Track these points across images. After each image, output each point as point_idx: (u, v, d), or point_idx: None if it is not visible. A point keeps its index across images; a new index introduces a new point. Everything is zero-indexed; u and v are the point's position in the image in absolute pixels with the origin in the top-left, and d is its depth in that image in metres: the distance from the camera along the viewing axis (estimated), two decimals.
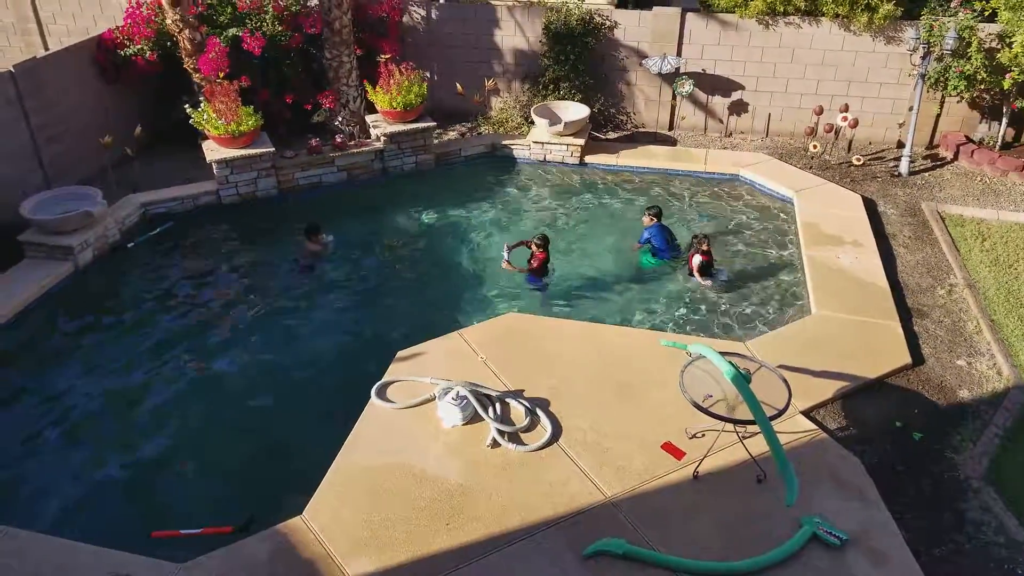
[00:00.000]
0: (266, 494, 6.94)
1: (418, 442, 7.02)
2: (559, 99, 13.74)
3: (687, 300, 9.55)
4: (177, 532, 6.58)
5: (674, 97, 13.80)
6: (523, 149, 13.22)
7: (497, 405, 7.31)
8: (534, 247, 9.77)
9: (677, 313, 9.33)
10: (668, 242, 10.23)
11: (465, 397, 7.19)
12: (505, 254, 9.71)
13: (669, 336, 8.34)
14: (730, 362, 6.52)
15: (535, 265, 9.76)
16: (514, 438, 7.05)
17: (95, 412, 7.99)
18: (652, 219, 10.22)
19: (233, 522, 6.60)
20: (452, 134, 14.31)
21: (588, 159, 12.97)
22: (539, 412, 7.26)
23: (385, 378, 7.68)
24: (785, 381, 6.69)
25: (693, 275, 9.74)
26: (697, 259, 9.70)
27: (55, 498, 7.06)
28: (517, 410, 7.31)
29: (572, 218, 11.51)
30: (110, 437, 7.72)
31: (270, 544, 6.16)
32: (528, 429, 7.13)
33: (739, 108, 13.79)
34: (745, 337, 8.67)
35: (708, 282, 9.68)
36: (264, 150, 11.64)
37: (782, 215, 11.42)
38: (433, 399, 7.39)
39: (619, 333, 8.43)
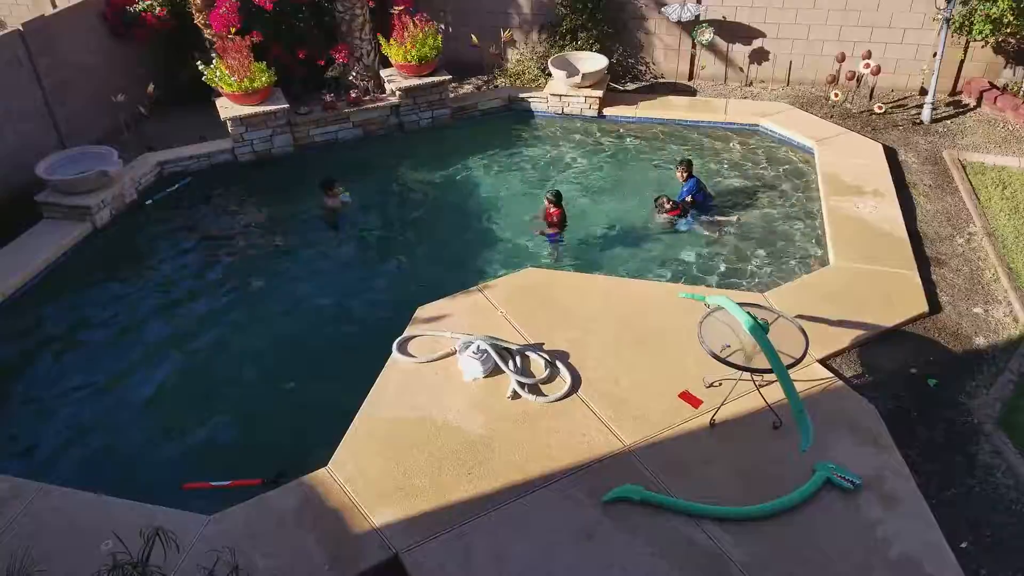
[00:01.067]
0: (294, 446, 7.20)
1: (439, 395, 7.23)
2: (577, 50, 13.70)
3: (705, 253, 9.65)
4: (208, 483, 6.85)
5: (694, 46, 13.74)
6: (540, 102, 13.22)
7: (517, 358, 7.51)
8: (546, 203, 9.92)
9: (696, 266, 9.43)
10: (707, 195, 10.37)
11: (486, 351, 7.39)
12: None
13: (687, 288, 8.49)
14: (748, 312, 6.66)
15: (552, 220, 9.90)
16: (534, 390, 7.26)
17: (121, 365, 8.29)
18: (685, 172, 10.32)
19: (263, 474, 6.88)
20: (468, 87, 14.28)
21: (607, 111, 12.96)
22: (559, 364, 7.45)
23: (406, 333, 7.89)
24: (802, 330, 6.83)
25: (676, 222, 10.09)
26: (668, 216, 10.07)
27: (81, 448, 7.36)
28: (537, 362, 7.51)
29: (591, 172, 11.57)
30: (136, 386, 8.00)
31: (297, 496, 6.41)
32: (548, 381, 7.32)
33: (760, 56, 13.71)
34: (763, 288, 8.78)
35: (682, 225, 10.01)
36: (278, 107, 11.76)
37: (803, 165, 11.46)
38: (454, 353, 7.59)
39: (638, 286, 8.55)
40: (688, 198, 10.27)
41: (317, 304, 9.12)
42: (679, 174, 10.41)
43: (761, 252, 9.64)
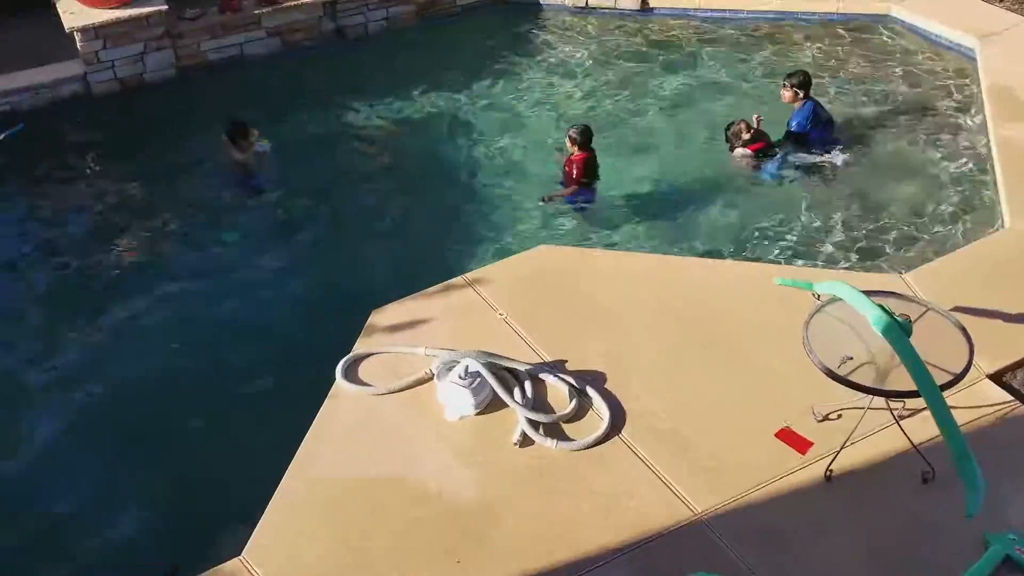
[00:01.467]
0: (196, 524, 7.21)
1: (409, 442, 7.19)
2: None
3: (809, 212, 9.60)
4: None
5: None
6: None
7: (526, 384, 7.47)
8: (568, 144, 9.89)
9: (795, 233, 9.38)
10: (826, 127, 10.47)
11: (477, 374, 7.34)
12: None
13: (786, 270, 8.43)
14: (880, 305, 6.55)
15: (574, 172, 9.87)
16: (553, 430, 7.22)
17: None
18: (797, 93, 10.37)
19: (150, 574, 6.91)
20: None
21: (654, 2, 12.89)
22: (590, 391, 7.41)
23: (356, 350, 7.86)
24: (964, 331, 6.77)
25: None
26: (745, 152, 10.19)
27: None
28: (557, 389, 7.46)
29: (631, 102, 11.52)
30: None
31: None
32: (574, 417, 7.29)
33: None
34: (901, 265, 8.71)
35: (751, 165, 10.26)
36: (152, 9, 11.76)
37: (958, 76, 11.43)
38: (430, 379, 7.54)
39: (705, 268, 8.51)
40: (796, 131, 10.32)
41: (222, 311, 9.14)
42: (787, 93, 10.42)
43: (896, 210, 9.59)
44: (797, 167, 10.22)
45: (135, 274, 9.69)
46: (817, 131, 10.36)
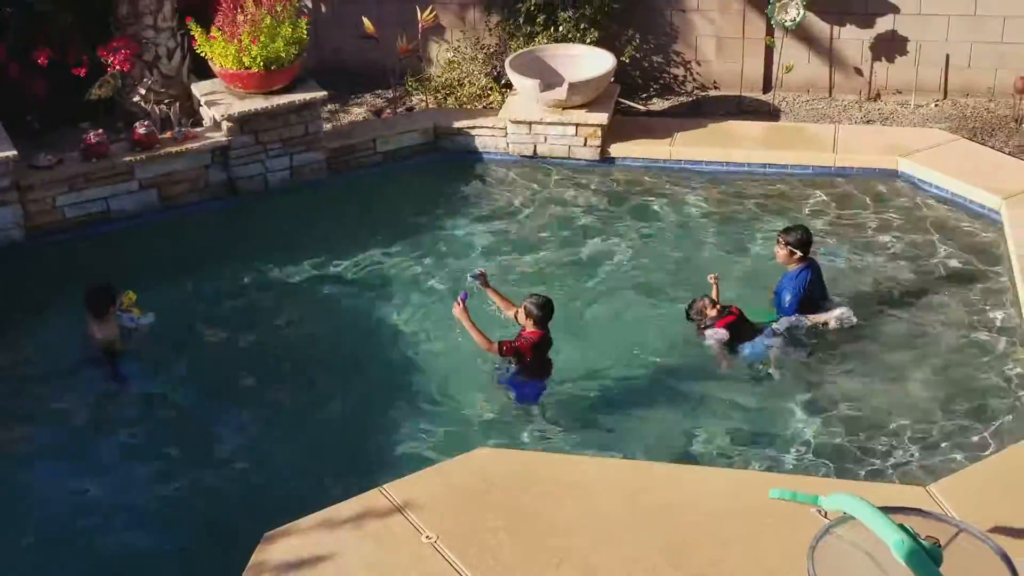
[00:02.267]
0: None
1: None
2: (556, 40, 13.94)
3: (805, 403, 9.64)
4: None
5: (770, 31, 14.04)
6: (493, 136, 13.42)
7: None
8: (523, 315, 9.74)
9: (786, 431, 9.40)
10: (819, 291, 10.53)
11: None
12: (467, 286, 10.00)
13: (783, 480, 8.30)
14: (902, 526, 6.50)
15: (525, 352, 9.72)
16: None
17: None
18: (795, 254, 10.35)
19: None
20: (358, 112, 14.35)
21: (615, 150, 13.13)
22: None
23: None
24: (1007, 559, 6.65)
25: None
26: (718, 332, 10.21)
27: None
28: None
29: (585, 269, 11.62)
30: None
31: None
32: None
33: (890, 48, 14.04)
34: (927, 476, 8.67)
35: (725, 364, 10.27)
36: None
37: (980, 241, 11.58)
38: None
39: (684, 476, 8.43)
40: (787, 311, 10.33)
41: (68, 532, 8.88)
42: (781, 251, 10.42)
43: (914, 402, 9.63)
44: (786, 342, 10.22)
45: None
46: (817, 293, 10.41)
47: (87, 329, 10.47)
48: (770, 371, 10.11)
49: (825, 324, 10.28)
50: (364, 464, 9.26)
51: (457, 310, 9.70)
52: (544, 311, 9.68)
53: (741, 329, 10.23)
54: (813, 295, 10.38)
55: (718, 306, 10.24)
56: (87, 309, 10.39)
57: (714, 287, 10.40)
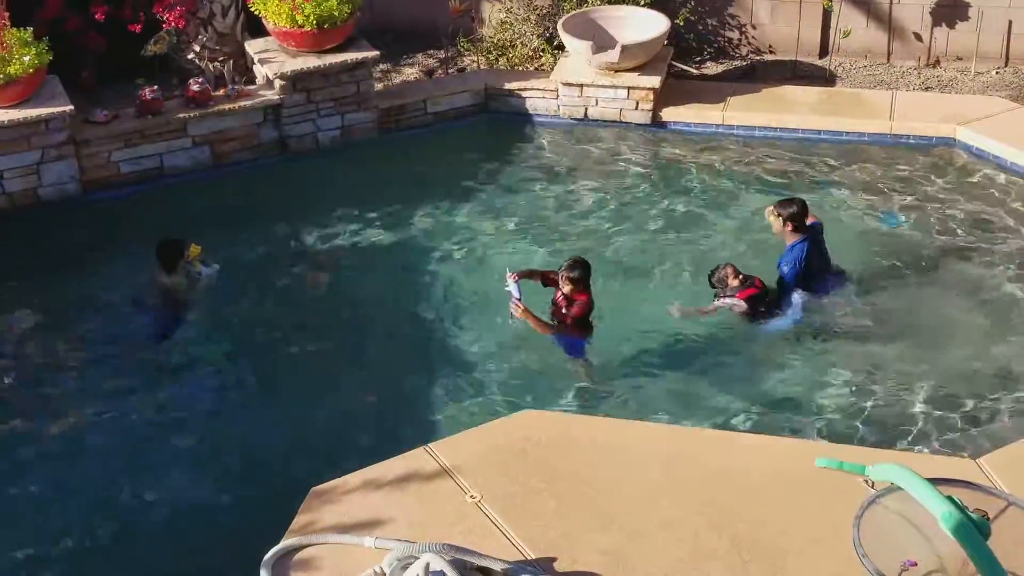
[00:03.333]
0: None
1: None
2: (610, 2, 13.90)
3: (855, 373, 9.61)
4: None
5: None
6: (544, 98, 13.40)
7: None
8: (563, 280, 9.76)
9: (834, 399, 9.38)
10: (820, 260, 10.41)
11: (441, 574, 7.13)
12: (513, 290, 9.76)
13: (830, 449, 8.28)
14: (950, 497, 6.51)
15: (570, 314, 9.75)
16: None
17: None
18: (790, 223, 10.25)
19: None
20: (410, 73, 14.35)
21: (667, 114, 13.07)
22: None
23: (287, 540, 7.63)
24: None
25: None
26: (736, 302, 10.16)
27: None
28: None
29: (635, 233, 11.62)
30: None
31: None
32: None
33: (951, 14, 13.89)
34: (973, 446, 8.63)
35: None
36: (54, 109, 11.76)
37: None
38: None
39: (729, 443, 8.40)
40: (787, 280, 10.27)
41: (115, 485, 9.00)
42: (775, 223, 10.33)
43: (963, 373, 9.61)
44: (805, 313, 10.21)
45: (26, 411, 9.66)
46: (794, 273, 10.27)
47: (155, 280, 10.63)
48: (813, 339, 10.08)
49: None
50: (410, 422, 9.35)
51: (519, 311, 9.68)
52: (583, 271, 9.67)
53: (761, 303, 10.18)
54: (811, 267, 10.25)
55: (741, 275, 10.17)
56: (157, 261, 10.53)
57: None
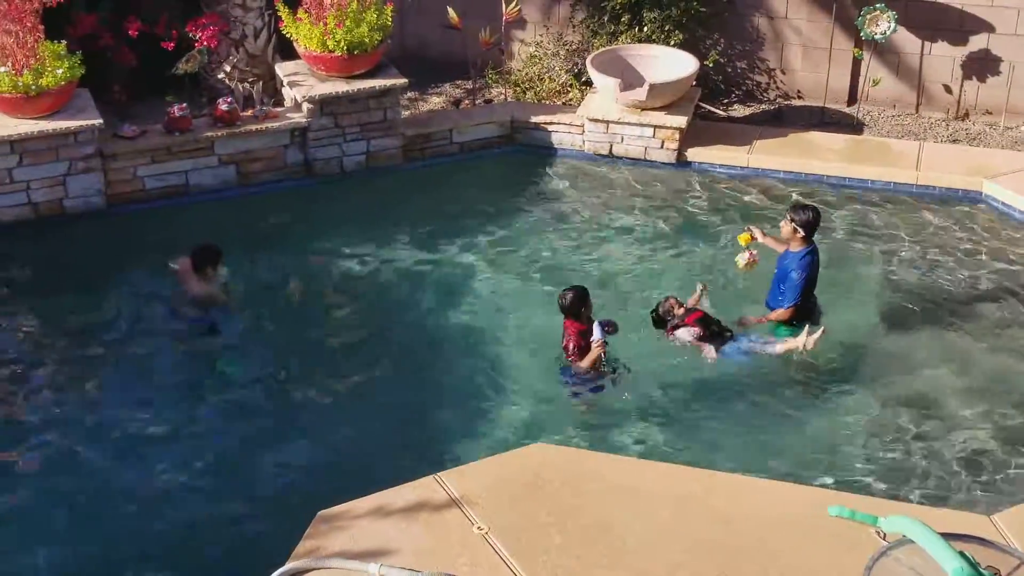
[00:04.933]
0: None
1: None
2: (639, 40, 13.91)
3: (868, 418, 9.61)
4: None
5: (859, 44, 13.91)
6: (570, 133, 13.41)
7: None
8: (578, 308, 9.79)
9: (848, 446, 9.35)
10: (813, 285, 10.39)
11: None
12: (597, 334, 9.77)
13: (843, 498, 8.19)
14: (961, 553, 6.45)
15: (572, 345, 9.77)
16: None
17: None
18: (799, 232, 10.21)
19: None
20: (437, 101, 14.38)
21: (692, 154, 13.07)
22: None
23: (292, 562, 7.59)
24: None
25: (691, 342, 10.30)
26: (691, 329, 10.23)
27: None
28: None
29: (652, 272, 11.62)
30: None
31: None
32: None
33: (982, 67, 13.87)
34: (989, 505, 8.59)
35: (711, 351, 10.19)
36: (83, 122, 11.82)
37: None
38: None
39: (741, 488, 8.34)
40: (797, 284, 10.17)
41: (120, 496, 9.01)
42: (786, 227, 10.28)
43: (977, 424, 9.57)
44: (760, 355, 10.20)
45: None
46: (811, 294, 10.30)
47: (187, 285, 10.68)
48: (829, 381, 10.07)
49: (790, 351, 10.16)
50: (420, 450, 9.34)
51: (600, 349, 9.74)
52: (575, 300, 9.71)
53: (709, 325, 10.19)
54: (814, 279, 10.26)
55: (683, 306, 10.24)
56: (194, 263, 10.59)
57: (697, 294, 10.42)
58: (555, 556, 7.64)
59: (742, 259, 10.43)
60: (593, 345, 9.69)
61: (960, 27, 13.70)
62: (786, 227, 10.27)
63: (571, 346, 9.78)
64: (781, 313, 10.24)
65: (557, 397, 9.92)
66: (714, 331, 10.20)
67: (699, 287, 10.48)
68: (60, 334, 10.74)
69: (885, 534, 7.00)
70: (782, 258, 10.34)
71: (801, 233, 10.15)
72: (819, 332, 9.99)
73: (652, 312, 10.40)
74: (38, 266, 11.53)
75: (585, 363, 9.74)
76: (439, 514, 7.95)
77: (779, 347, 10.17)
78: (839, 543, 7.58)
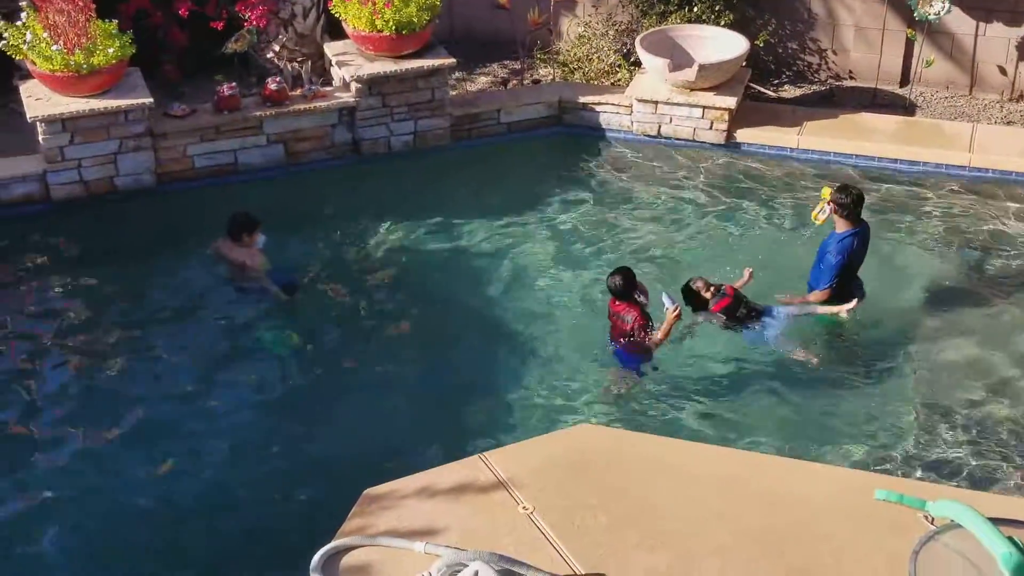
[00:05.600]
0: None
1: None
2: (689, 21, 13.86)
3: (919, 402, 9.58)
4: None
5: (912, 25, 13.81)
6: (618, 113, 13.38)
7: None
8: (631, 289, 9.75)
9: (897, 430, 9.33)
10: (857, 267, 10.35)
11: None
12: (668, 303, 9.77)
13: (890, 482, 8.15)
14: (1011, 539, 6.42)
15: (637, 325, 9.73)
16: None
17: None
18: (842, 211, 10.14)
19: None
20: (484, 82, 14.36)
21: (742, 135, 13.03)
22: None
23: (339, 539, 7.62)
24: None
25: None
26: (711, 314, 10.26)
27: None
28: None
29: (701, 254, 11.62)
30: None
31: None
32: None
33: None
34: None
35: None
36: (135, 101, 11.90)
37: None
38: None
39: (787, 470, 8.27)
40: (834, 268, 10.12)
41: (166, 479, 9.09)
42: (823, 212, 10.24)
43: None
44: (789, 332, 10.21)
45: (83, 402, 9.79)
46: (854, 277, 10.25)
47: (235, 260, 10.83)
48: (874, 364, 10.07)
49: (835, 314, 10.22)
50: (467, 430, 9.37)
51: (676, 316, 9.73)
52: (622, 282, 9.67)
53: (736, 311, 10.16)
54: (854, 262, 10.21)
55: (712, 287, 10.16)
56: (230, 233, 10.74)
57: (744, 279, 10.38)
58: (600, 536, 7.64)
59: (822, 214, 10.33)
60: (668, 314, 9.67)
61: (1015, 8, 13.56)
62: (825, 211, 10.24)
63: (636, 326, 9.72)
64: (816, 295, 10.22)
65: (601, 380, 9.94)
66: (741, 315, 10.17)
67: (746, 272, 10.42)
68: (110, 310, 10.85)
69: (933, 518, 6.94)
70: (829, 236, 10.29)
71: (844, 213, 10.11)
72: (852, 303, 10.07)
73: (683, 292, 10.32)
74: (89, 243, 11.65)
75: (660, 334, 9.69)
76: (485, 494, 7.96)
77: (818, 309, 10.23)
78: (886, 527, 7.54)
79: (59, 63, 11.64)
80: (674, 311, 9.65)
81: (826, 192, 10.36)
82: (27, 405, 9.83)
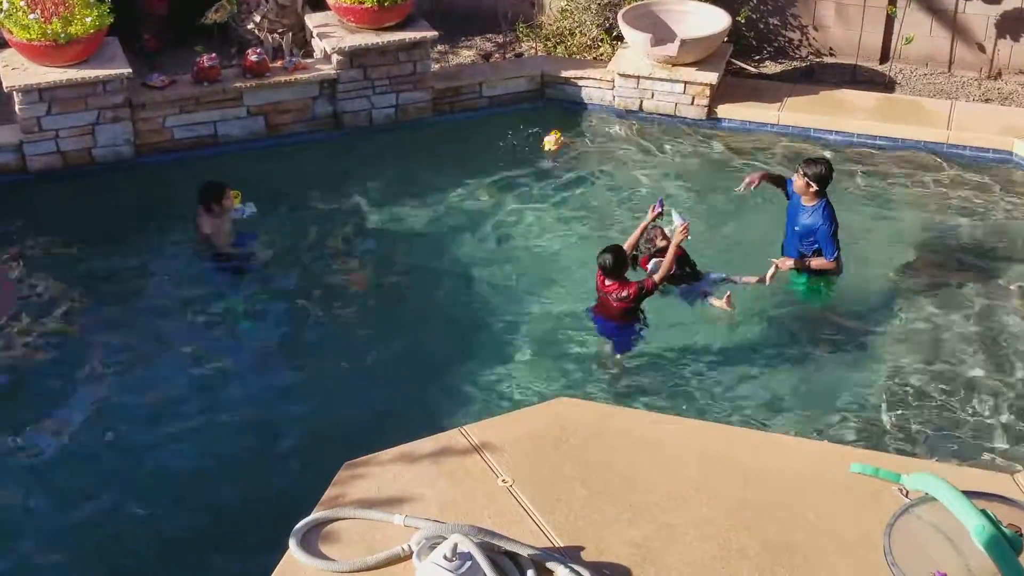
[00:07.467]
0: None
1: None
2: None
3: (893, 376, 9.60)
4: None
5: (893, 1, 13.83)
6: (600, 88, 13.40)
7: (529, 573, 7.23)
8: (623, 267, 9.77)
9: (872, 404, 9.34)
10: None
11: (468, 555, 7.08)
12: (678, 220, 9.83)
13: (866, 455, 8.22)
14: (984, 511, 6.45)
15: (631, 291, 9.69)
16: None
17: None
18: (812, 186, 10.17)
19: None
20: (467, 55, 14.33)
21: (723, 111, 13.05)
22: None
23: (318, 512, 7.65)
24: None
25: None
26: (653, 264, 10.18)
27: None
28: None
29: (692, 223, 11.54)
30: None
31: None
32: None
33: (1016, 26, 13.75)
34: (1013, 464, 8.57)
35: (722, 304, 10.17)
36: (112, 71, 11.88)
37: None
38: (408, 557, 7.29)
39: (764, 444, 8.31)
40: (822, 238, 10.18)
41: (144, 447, 9.10)
42: (799, 182, 10.22)
43: (1003, 385, 9.55)
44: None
45: (50, 386, 9.68)
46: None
47: (201, 230, 10.81)
48: (850, 339, 10.12)
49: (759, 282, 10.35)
50: (446, 403, 9.38)
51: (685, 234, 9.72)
52: (614, 258, 9.65)
53: (683, 265, 10.24)
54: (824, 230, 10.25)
55: (663, 234, 10.20)
56: (201, 204, 10.72)
57: (771, 271, 10.31)
58: (579, 509, 7.68)
59: (551, 140, 11.35)
60: (678, 231, 9.68)
61: None
62: (799, 181, 10.22)
63: (631, 290, 9.64)
64: (826, 263, 10.23)
65: (582, 354, 9.96)
66: (685, 272, 10.23)
67: (773, 265, 10.31)
68: (87, 282, 10.79)
69: (907, 491, 6.99)
70: (797, 211, 10.30)
71: (814, 187, 10.13)
72: (772, 269, 10.18)
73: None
74: (66, 214, 11.60)
75: (667, 260, 9.65)
76: (464, 466, 7.98)
77: (748, 279, 10.33)
78: (861, 500, 7.58)
79: (36, 32, 11.57)
80: (683, 228, 9.66)
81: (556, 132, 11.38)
82: None
